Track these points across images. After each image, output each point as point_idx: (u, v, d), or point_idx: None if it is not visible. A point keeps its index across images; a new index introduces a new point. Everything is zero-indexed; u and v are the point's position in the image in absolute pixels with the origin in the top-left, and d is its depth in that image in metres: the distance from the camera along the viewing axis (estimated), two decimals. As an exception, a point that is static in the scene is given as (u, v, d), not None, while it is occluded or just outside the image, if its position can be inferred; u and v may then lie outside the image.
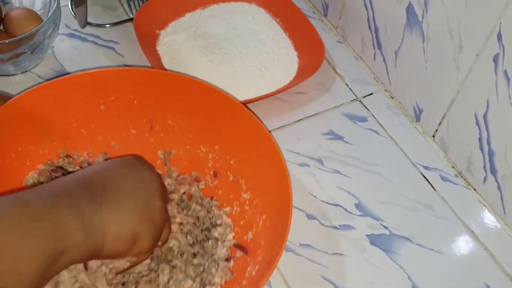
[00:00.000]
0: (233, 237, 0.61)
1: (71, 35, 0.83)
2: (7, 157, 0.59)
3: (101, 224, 0.46)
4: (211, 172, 0.65)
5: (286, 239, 0.52)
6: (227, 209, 0.63)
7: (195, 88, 0.64)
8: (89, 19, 0.82)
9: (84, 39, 0.82)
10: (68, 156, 0.64)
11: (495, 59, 0.62)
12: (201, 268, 0.58)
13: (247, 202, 0.62)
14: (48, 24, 0.73)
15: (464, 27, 0.65)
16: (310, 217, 0.68)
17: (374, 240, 0.66)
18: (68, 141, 0.64)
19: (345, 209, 0.69)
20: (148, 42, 0.80)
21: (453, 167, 0.74)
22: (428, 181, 0.72)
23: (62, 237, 0.42)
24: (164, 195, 0.55)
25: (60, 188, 0.47)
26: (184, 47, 0.79)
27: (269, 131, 0.74)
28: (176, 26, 0.83)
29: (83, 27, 0.81)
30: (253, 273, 0.55)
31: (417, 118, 0.77)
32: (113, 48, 0.82)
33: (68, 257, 0.44)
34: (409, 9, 0.71)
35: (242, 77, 0.76)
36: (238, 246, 0.60)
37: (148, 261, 0.57)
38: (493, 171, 0.67)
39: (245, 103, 0.74)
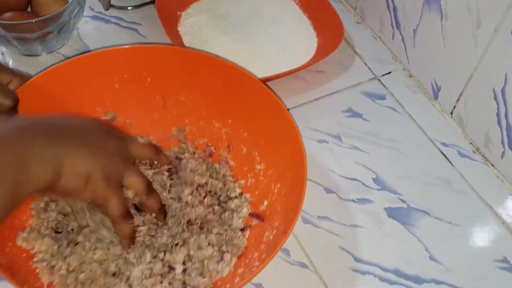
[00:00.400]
0: (249, 208, 0.63)
1: (95, 18, 0.85)
2: None
3: (60, 158, 0.49)
4: (225, 146, 0.67)
5: (302, 204, 0.54)
6: (242, 181, 0.65)
7: (205, 62, 0.65)
8: (112, 2, 0.84)
9: (107, 21, 0.85)
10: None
11: (513, 32, 0.63)
12: (220, 237, 0.60)
13: (261, 173, 0.63)
14: (74, 5, 0.75)
15: (482, 2, 0.65)
16: (328, 191, 0.69)
17: (392, 213, 0.67)
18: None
19: (363, 183, 0.70)
20: (169, 23, 0.81)
21: (471, 143, 0.74)
22: (446, 157, 0.73)
23: (22, 168, 0.46)
24: (116, 137, 0.57)
25: (28, 122, 0.50)
26: (205, 27, 0.80)
27: (289, 109, 0.76)
28: (197, 7, 0.84)
29: (107, 9, 0.83)
30: (271, 238, 0.57)
31: (435, 96, 0.78)
32: (136, 30, 0.84)
33: (29, 187, 0.47)
34: (427, -14, 0.72)
35: (261, 56, 0.78)
36: (253, 215, 0.62)
37: (170, 231, 0.59)
38: (511, 145, 0.68)
39: (264, 81, 0.75)
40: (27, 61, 0.78)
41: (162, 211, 0.60)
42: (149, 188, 0.58)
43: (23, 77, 0.61)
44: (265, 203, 0.62)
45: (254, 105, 0.64)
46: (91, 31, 0.83)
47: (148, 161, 0.63)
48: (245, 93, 0.64)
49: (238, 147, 0.66)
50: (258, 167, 0.64)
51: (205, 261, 0.58)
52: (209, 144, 0.68)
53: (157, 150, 0.62)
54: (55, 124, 0.52)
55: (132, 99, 0.67)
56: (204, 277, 0.57)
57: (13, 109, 0.58)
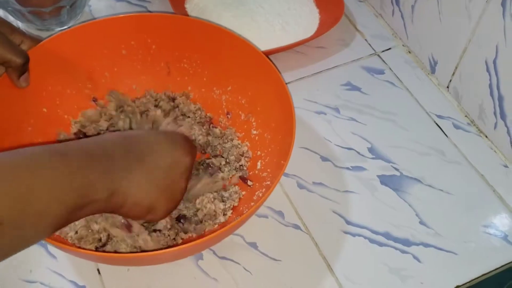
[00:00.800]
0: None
1: (107, -5, 0.89)
2: (39, 95, 0.65)
3: (126, 190, 0.51)
4: (225, 112, 0.70)
5: (288, 161, 0.56)
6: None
7: (207, 31, 0.68)
8: (124, -19, 0.88)
9: (119, -1, 0.88)
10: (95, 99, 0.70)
11: (503, 3, 0.64)
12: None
13: (257, 138, 0.66)
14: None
15: (475, -24, 0.67)
16: (324, 159, 0.71)
17: (385, 180, 0.70)
18: (92, 84, 0.70)
19: (358, 152, 0.72)
20: (177, 1, 0.85)
21: (466, 116, 0.76)
22: (440, 128, 0.75)
23: (87, 194, 0.47)
24: (189, 176, 0.59)
25: (99, 148, 0.51)
26: (210, 4, 0.83)
27: (289, 82, 0.79)
28: (205, -14, 0.87)
29: (118, -13, 0.87)
30: (260, 195, 0.60)
31: (433, 71, 0.80)
32: (145, 7, 0.87)
33: (88, 210, 0.48)
34: (424, -38, 0.74)
35: (263, 30, 0.80)
36: (244, 179, 0.65)
37: None
38: (503, 116, 0.70)
39: (265, 54, 0.78)
40: (41, 35, 0.82)
41: None
42: None
43: (35, 40, 0.64)
44: (259, 165, 0.65)
45: (252, 73, 0.66)
46: (103, 8, 0.87)
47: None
48: (244, 61, 0.67)
49: (236, 113, 0.69)
50: (254, 132, 0.67)
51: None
52: (208, 113, 0.71)
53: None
54: (129, 153, 0.52)
55: (138, 65, 0.71)
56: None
57: (23, 67, 0.60)
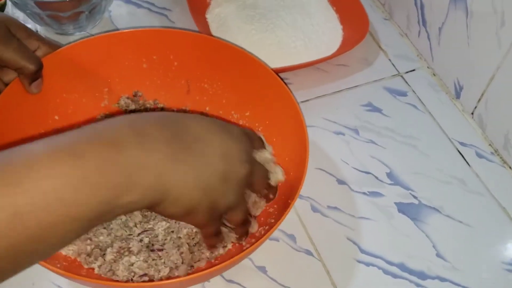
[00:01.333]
0: None
1: (127, 1, 0.87)
2: (52, 102, 0.63)
3: (170, 183, 0.43)
4: None
5: (294, 201, 0.53)
6: None
7: (232, 54, 0.65)
8: (146, -13, 0.87)
9: (139, 5, 0.87)
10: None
11: (535, 32, 0.62)
12: None
13: None
14: (105, -12, 0.77)
15: (508, 1, 0.65)
16: (340, 182, 0.69)
17: (402, 208, 0.67)
18: (109, 95, 0.68)
19: (376, 177, 0.70)
20: (198, 10, 0.83)
21: (489, 144, 0.73)
22: (463, 156, 0.72)
23: (131, 174, 0.40)
24: (246, 182, 0.50)
25: (133, 132, 0.42)
26: (232, 16, 0.82)
27: (308, 100, 0.77)
28: (227, -4, 0.86)
29: (139, -6, 0.86)
30: (263, 232, 0.58)
31: (457, 95, 0.77)
32: (165, 15, 0.86)
33: (128, 199, 0.41)
34: (455, -16, 0.72)
35: (284, 46, 0.78)
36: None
37: None
38: (529, 148, 0.67)
39: (285, 70, 0.77)
40: (59, 39, 0.80)
41: (244, 233, 0.56)
42: (245, 221, 0.53)
43: (52, 45, 0.62)
44: None
45: (272, 103, 0.64)
46: (123, 14, 0.85)
47: None
48: (265, 90, 0.64)
49: None
50: None
51: None
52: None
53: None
54: (180, 137, 0.45)
55: (158, 80, 0.69)
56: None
57: (36, 74, 0.59)
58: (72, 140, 0.40)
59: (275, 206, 0.60)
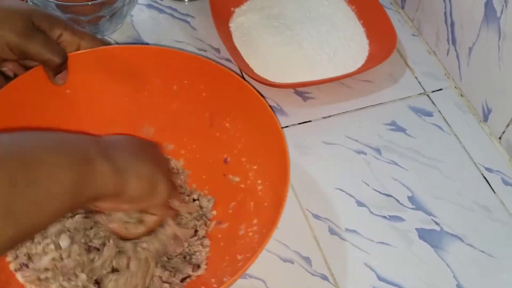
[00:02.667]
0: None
1: (150, 6, 0.86)
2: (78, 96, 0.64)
3: (125, 165, 0.49)
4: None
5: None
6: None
7: (258, 104, 0.62)
8: (169, -8, 0.85)
9: (162, 11, 0.85)
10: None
11: None
12: None
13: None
14: (128, -7, 0.76)
15: (543, 25, 0.62)
16: (360, 204, 0.67)
17: (423, 234, 0.65)
18: (135, 104, 0.67)
19: (397, 200, 0.68)
20: (221, 18, 0.81)
21: (517, 171, 0.71)
22: (488, 182, 0.70)
23: (88, 159, 0.45)
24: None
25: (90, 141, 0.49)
26: (255, 25, 0.80)
27: (329, 116, 0.75)
28: (252, 5, 0.84)
29: (163, -1, 0.85)
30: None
31: (485, 118, 0.75)
32: (188, 22, 0.84)
33: (95, 186, 0.46)
34: (488, 3, 0.69)
35: (309, 59, 0.77)
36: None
37: None
38: (559, 178, 0.64)
39: (308, 85, 0.75)
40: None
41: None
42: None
43: (75, 31, 0.62)
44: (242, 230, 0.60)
45: (277, 158, 0.59)
46: (145, 19, 0.84)
47: None
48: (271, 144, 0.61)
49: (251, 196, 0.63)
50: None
51: None
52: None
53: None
54: (106, 140, 0.52)
55: (184, 106, 0.67)
56: None
57: (61, 66, 0.60)
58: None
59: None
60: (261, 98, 0.62)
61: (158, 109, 0.67)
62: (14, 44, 0.57)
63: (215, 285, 0.56)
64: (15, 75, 0.61)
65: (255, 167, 0.63)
